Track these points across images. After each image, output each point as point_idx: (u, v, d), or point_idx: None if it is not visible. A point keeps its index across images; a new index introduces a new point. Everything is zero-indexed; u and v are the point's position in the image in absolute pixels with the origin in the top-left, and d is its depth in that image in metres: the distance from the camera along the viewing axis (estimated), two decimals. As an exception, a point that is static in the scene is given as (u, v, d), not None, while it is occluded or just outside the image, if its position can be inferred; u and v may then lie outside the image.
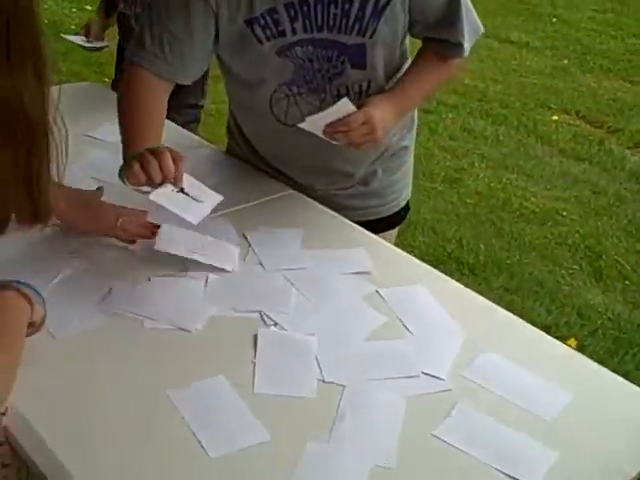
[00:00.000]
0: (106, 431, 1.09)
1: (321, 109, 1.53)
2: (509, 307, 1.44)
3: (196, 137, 2.09)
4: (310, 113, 1.53)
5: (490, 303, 1.45)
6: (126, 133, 1.51)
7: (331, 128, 1.48)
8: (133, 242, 1.50)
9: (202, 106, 2.96)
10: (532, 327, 1.39)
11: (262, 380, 1.19)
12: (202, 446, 1.07)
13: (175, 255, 1.44)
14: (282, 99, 1.61)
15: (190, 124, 2.71)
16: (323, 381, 1.20)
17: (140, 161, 1.35)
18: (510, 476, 1.06)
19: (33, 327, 1.16)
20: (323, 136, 1.50)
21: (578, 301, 3.19)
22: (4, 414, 1.08)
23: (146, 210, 1.50)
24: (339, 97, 1.54)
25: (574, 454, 1.11)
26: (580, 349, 1.39)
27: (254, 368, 1.21)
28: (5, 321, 1.05)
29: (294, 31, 1.51)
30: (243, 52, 1.55)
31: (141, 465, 1.04)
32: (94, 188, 1.58)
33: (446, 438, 1.12)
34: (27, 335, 1.14)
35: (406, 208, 1.91)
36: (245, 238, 1.56)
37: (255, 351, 1.25)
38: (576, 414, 1.19)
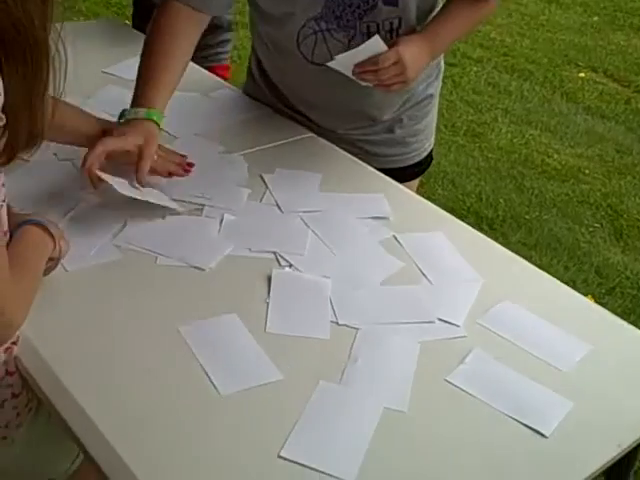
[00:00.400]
0: (116, 366, 1.08)
1: (349, 48, 1.49)
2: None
3: (216, 78, 2.05)
4: (338, 52, 1.49)
5: (510, 253, 1.42)
6: (142, 71, 1.49)
7: (360, 67, 1.44)
8: (171, 175, 1.47)
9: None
10: (551, 278, 1.37)
11: (275, 320, 1.18)
12: (213, 384, 1.06)
13: (191, 194, 1.43)
14: (310, 35, 1.56)
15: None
16: (337, 323, 1.19)
17: (119, 133, 1.38)
18: (523, 424, 1.05)
19: (53, 264, 1.15)
20: (352, 76, 1.46)
21: (597, 259, 3.15)
22: (15, 343, 1.08)
23: (183, 155, 1.50)
24: (369, 35, 1.49)
25: (589, 406, 1.10)
26: (598, 306, 1.38)
27: (267, 308, 1.20)
28: (25, 252, 1.04)
29: None
30: None
31: (151, 401, 1.03)
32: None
33: (459, 384, 1.10)
34: (45, 270, 1.14)
35: (428, 159, 1.87)
36: (262, 179, 1.53)
37: (269, 291, 1.23)
38: (593, 366, 1.17)
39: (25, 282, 1.01)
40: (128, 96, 1.73)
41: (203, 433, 0.99)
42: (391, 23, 1.53)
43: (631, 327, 1.27)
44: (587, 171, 3.85)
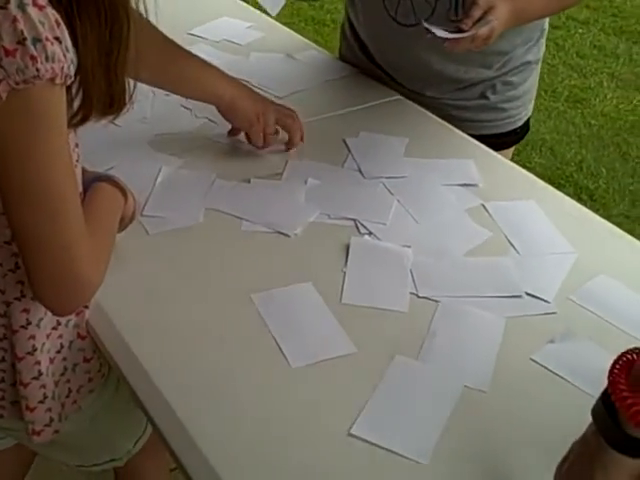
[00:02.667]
0: (186, 334, 1.05)
1: (435, 8, 1.45)
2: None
3: (305, 39, 1.99)
4: (421, 10, 1.44)
5: (609, 224, 1.32)
6: None
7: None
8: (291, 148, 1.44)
9: None
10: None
11: (351, 290, 1.12)
12: (284, 355, 1.02)
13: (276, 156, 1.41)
14: None
15: None
16: (417, 295, 1.12)
17: None
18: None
19: (124, 222, 1.13)
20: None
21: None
22: (87, 307, 1.06)
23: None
24: None
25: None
26: None
27: (344, 277, 1.15)
28: (99, 210, 1.02)
29: None
30: None
31: (219, 372, 1.00)
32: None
33: (547, 364, 1.02)
34: (120, 229, 1.12)
35: (525, 127, 1.76)
36: (345, 143, 1.47)
37: (347, 261, 1.18)
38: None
39: (101, 240, 0.99)
40: (216, 57, 1.72)
41: (272, 407, 0.95)
42: None
43: None
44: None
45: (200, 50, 1.81)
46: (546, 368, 1.02)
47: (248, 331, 1.06)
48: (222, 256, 1.19)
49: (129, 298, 1.10)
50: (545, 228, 1.28)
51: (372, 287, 1.14)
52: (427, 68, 1.61)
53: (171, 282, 1.14)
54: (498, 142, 1.67)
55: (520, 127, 1.73)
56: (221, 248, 1.21)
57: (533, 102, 1.76)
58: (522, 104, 1.71)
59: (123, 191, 1.10)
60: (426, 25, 1.37)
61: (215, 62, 1.73)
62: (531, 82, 1.71)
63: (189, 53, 1.37)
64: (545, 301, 1.12)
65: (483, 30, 1.32)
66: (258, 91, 1.61)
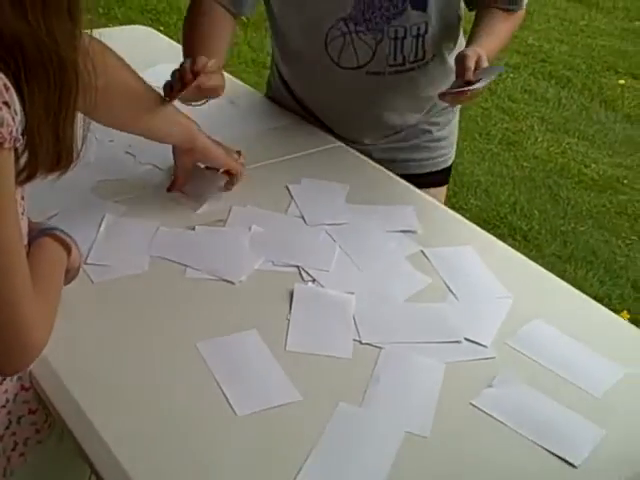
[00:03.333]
0: (131, 383, 1.05)
1: (376, 51, 1.54)
2: (561, 276, 1.36)
3: (245, 84, 2.02)
4: (365, 54, 1.54)
5: (542, 269, 1.37)
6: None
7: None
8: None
9: None
10: (585, 297, 1.31)
11: (296, 337, 1.14)
12: (230, 403, 1.03)
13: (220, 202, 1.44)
14: (338, 37, 1.56)
15: None
16: (360, 342, 1.15)
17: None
18: (552, 453, 1.00)
19: (69, 274, 1.13)
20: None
21: (634, 274, 3.07)
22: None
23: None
24: (396, 39, 1.54)
25: (623, 434, 1.04)
26: (633, 323, 1.32)
27: (288, 325, 1.16)
28: (41, 267, 1.01)
29: None
30: None
31: (165, 421, 1.00)
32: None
33: (485, 408, 1.05)
34: (66, 282, 1.12)
35: (448, 170, 1.85)
36: (287, 190, 1.50)
37: (291, 308, 1.20)
38: (628, 391, 1.11)
39: (48, 298, 0.99)
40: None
41: (218, 455, 0.96)
42: (418, 28, 1.55)
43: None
44: (626, 181, 3.76)
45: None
46: (485, 412, 1.05)
47: (194, 379, 1.06)
48: (167, 304, 1.20)
49: (73, 347, 1.09)
50: (482, 273, 1.32)
51: (316, 334, 1.16)
52: (367, 112, 1.67)
53: (116, 331, 1.13)
54: (430, 181, 1.75)
55: (447, 168, 1.83)
56: (166, 296, 1.21)
57: (455, 144, 1.86)
58: (449, 144, 1.81)
59: (67, 244, 1.09)
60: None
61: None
62: (454, 123, 1.81)
63: (162, 101, 1.38)
64: (483, 346, 1.16)
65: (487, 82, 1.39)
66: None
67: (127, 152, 1.58)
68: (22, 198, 0.97)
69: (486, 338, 1.17)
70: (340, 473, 0.95)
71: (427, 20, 1.54)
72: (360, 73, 1.58)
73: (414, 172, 1.72)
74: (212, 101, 1.83)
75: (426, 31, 1.56)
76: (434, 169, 1.79)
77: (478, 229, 1.47)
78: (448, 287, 1.27)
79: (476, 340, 1.17)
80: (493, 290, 1.28)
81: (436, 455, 0.99)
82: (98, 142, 1.56)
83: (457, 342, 1.16)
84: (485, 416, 1.04)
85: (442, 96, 1.43)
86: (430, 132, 1.75)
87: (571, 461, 0.99)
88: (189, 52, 1.47)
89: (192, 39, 1.53)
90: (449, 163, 1.83)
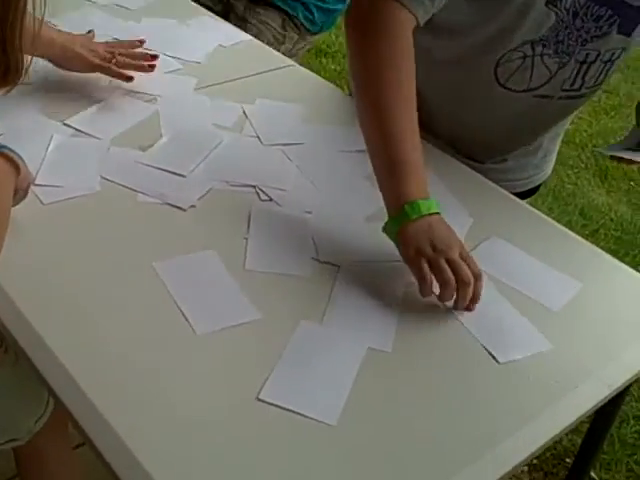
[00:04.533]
0: (86, 303, 1.03)
1: (555, 76, 1.33)
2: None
3: (196, 4, 1.95)
4: (540, 78, 1.33)
5: (497, 187, 1.37)
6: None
7: None
8: (130, 79, 1.45)
9: None
10: (540, 214, 1.32)
11: (254, 257, 1.12)
12: (189, 323, 1.01)
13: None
14: (516, 60, 1.32)
15: None
16: (318, 261, 1.14)
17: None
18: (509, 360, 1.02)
19: (18, 194, 1.09)
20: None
21: (581, 201, 3.12)
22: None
23: (141, 39, 1.47)
24: (583, 63, 1.32)
25: (577, 347, 1.07)
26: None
27: (246, 244, 1.15)
28: None
29: None
30: None
31: (122, 340, 0.98)
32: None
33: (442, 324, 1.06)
34: (14, 202, 1.07)
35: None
36: (242, 110, 1.47)
37: (249, 227, 1.18)
38: (583, 305, 1.13)
39: None
40: (107, 21, 1.69)
41: (178, 374, 0.95)
42: (612, 53, 1.34)
43: (622, 264, 1.24)
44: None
45: (89, 13, 1.76)
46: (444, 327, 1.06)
47: (151, 299, 1.04)
48: (121, 225, 1.17)
49: (25, 269, 1.06)
50: (439, 192, 1.30)
51: (275, 253, 1.14)
52: (505, 135, 1.48)
53: (69, 252, 1.10)
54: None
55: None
56: (120, 217, 1.18)
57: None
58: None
59: (15, 162, 1.05)
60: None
61: (106, 26, 1.69)
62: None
63: None
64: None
65: None
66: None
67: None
68: None
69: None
70: (302, 390, 0.94)
71: (626, 46, 1.33)
72: (526, 96, 1.36)
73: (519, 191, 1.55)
74: (163, 20, 1.79)
75: (619, 56, 1.35)
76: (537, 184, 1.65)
77: (438, 152, 1.46)
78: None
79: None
80: (451, 208, 1.27)
81: (398, 369, 1.00)
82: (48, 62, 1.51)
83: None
84: (443, 325, 1.06)
85: (617, 159, 1.32)
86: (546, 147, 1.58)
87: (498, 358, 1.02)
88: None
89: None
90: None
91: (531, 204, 1.41)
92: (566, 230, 1.31)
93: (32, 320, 0.99)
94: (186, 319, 1.01)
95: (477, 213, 1.28)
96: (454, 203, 1.30)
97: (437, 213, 1.09)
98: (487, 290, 1.09)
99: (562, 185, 3.22)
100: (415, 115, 1.13)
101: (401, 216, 1.08)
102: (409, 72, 1.14)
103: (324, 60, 3.93)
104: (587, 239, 1.31)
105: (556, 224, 1.32)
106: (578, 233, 1.33)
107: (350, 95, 1.57)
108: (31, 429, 1.25)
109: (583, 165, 3.38)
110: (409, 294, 1.10)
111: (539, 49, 1.30)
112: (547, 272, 1.18)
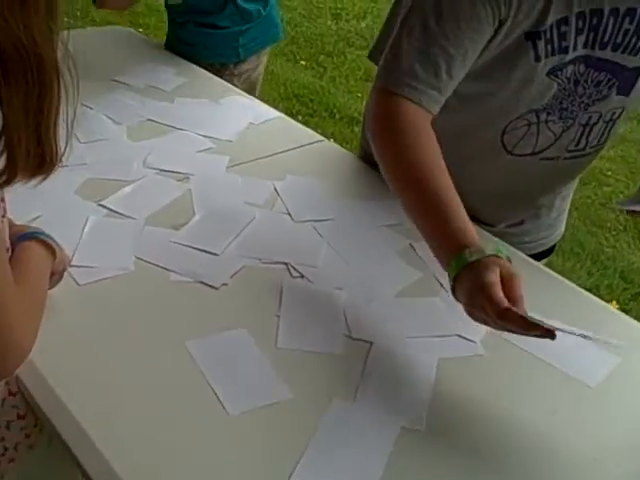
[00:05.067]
0: (119, 384, 1.03)
1: (560, 139, 1.36)
2: (549, 268, 1.36)
3: (228, 84, 2.00)
4: (546, 141, 1.35)
5: (531, 260, 1.37)
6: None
7: None
8: None
9: None
10: (575, 287, 1.31)
11: (286, 334, 1.12)
12: (221, 403, 1.01)
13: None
14: (521, 127, 1.34)
15: None
16: (350, 337, 1.13)
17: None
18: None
19: (54, 277, 1.11)
20: None
21: (621, 264, 3.08)
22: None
23: None
24: (587, 125, 1.35)
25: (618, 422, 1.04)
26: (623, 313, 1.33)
27: (278, 322, 1.15)
28: (26, 271, 0.99)
29: (575, 47, 1.25)
30: (511, 71, 1.26)
31: (155, 422, 0.98)
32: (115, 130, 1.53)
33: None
34: (50, 286, 1.10)
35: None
36: (274, 187, 1.49)
37: (280, 305, 1.18)
38: (622, 381, 1.11)
39: (32, 304, 0.96)
40: (141, 103, 1.72)
41: (210, 455, 0.94)
42: (613, 113, 1.36)
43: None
44: (609, 172, 3.77)
45: (124, 95, 1.82)
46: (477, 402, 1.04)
47: (184, 379, 1.04)
48: (155, 304, 1.18)
49: (60, 350, 1.07)
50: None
51: (306, 330, 1.14)
52: (515, 196, 1.48)
53: (104, 332, 1.11)
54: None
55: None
56: (153, 296, 1.20)
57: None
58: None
59: (52, 248, 1.07)
60: (620, 207, 1.36)
61: (141, 108, 1.75)
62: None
63: None
64: (473, 342, 1.15)
65: None
66: (185, 134, 1.64)
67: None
68: (2, 200, 0.95)
69: (477, 334, 1.16)
70: (335, 470, 0.93)
71: (625, 105, 1.36)
72: (532, 159, 1.38)
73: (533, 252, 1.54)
74: (195, 100, 1.83)
75: (619, 116, 1.38)
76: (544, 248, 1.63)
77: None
78: (439, 282, 1.26)
79: (467, 336, 1.16)
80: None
81: (431, 448, 0.98)
82: (83, 144, 1.55)
83: (449, 336, 1.15)
84: (477, 407, 1.04)
85: (634, 213, 1.33)
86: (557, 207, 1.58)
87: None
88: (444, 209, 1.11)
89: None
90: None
91: (551, 266, 1.38)
92: (598, 300, 1.29)
93: (66, 401, 1.00)
94: (218, 399, 1.01)
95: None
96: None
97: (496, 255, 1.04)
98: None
99: (601, 248, 3.18)
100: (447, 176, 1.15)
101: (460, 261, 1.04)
102: (437, 156, 1.16)
103: (356, 129, 3.98)
104: (628, 303, 1.30)
105: (585, 293, 1.30)
106: (619, 298, 1.32)
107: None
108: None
109: (621, 227, 3.35)
110: (442, 369, 1.09)
111: (543, 116, 1.32)
112: (584, 347, 1.15)
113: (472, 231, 1.07)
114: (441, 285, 1.25)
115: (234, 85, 2.07)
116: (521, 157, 1.37)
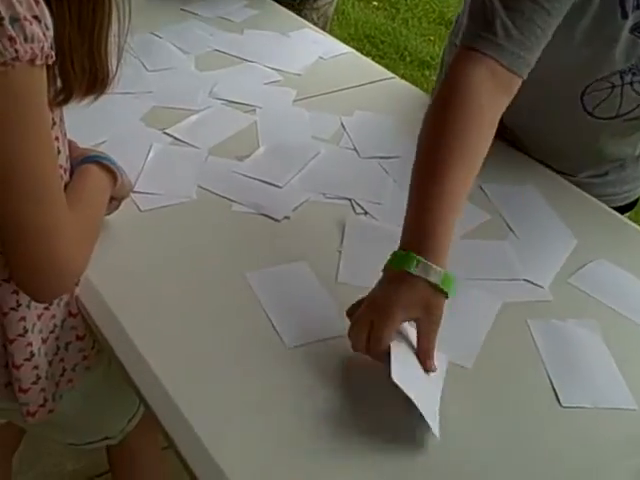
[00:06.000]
0: (179, 311, 1.03)
1: None
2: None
3: (299, 18, 1.95)
4: (630, 103, 1.26)
5: (610, 210, 1.31)
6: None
7: None
8: None
9: None
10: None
11: (347, 270, 1.10)
12: (278, 334, 1.00)
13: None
14: (604, 90, 1.25)
15: None
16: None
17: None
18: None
19: (114, 202, 1.10)
20: None
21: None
22: (77, 284, 1.04)
23: None
24: None
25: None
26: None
27: (340, 257, 1.13)
28: (82, 193, 0.98)
29: None
30: (600, 30, 1.18)
31: (213, 349, 0.98)
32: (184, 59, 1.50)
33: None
34: (109, 210, 1.09)
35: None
36: (340, 122, 1.45)
37: (342, 240, 1.16)
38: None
39: (85, 226, 0.95)
40: (209, 33, 1.70)
41: (263, 384, 0.94)
42: None
43: None
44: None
45: (193, 25, 1.79)
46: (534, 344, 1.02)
47: (242, 309, 1.03)
48: (215, 234, 1.17)
49: (120, 274, 1.08)
50: (543, 212, 1.26)
51: (367, 267, 1.11)
52: (600, 153, 1.40)
53: (163, 259, 1.11)
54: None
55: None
56: (214, 226, 1.18)
57: None
58: None
59: (113, 172, 1.06)
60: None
61: (209, 38, 1.73)
62: None
63: None
64: (540, 287, 1.11)
65: None
66: (253, 66, 1.60)
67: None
68: (60, 120, 0.94)
69: (545, 278, 1.12)
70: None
71: None
72: (616, 122, 1.29)
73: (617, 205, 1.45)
74: (265, 32, 1.80)
75: None
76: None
77: (541, 166, 1.40)
78: (508, 225, 1.22)
79: (534, 281, 1.12)
80: (555, 229, 1.22)
81: (475, 387, 0.96)
82: (150, 72, 1.54)
83: (515, 280, 1.11)
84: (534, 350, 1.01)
85: None
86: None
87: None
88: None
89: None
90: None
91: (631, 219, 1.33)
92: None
93: (124, 323, 1.00)
94: (275, 330, 1.00)
95: (581, 233, 1.22)
96: (557, 223, 1.24)
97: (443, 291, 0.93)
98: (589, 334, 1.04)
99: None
100: (469, 180, 1.01)
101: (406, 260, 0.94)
102: (471, 158, 1.01)
103: (427, 72, 3.89)
104: None
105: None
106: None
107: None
108: (123, 429, 1.26)
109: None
110: (505, 312, 1.06)
111: (628, 78, 1.23)
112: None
113: (444, 250, 0.96)
114: (510, 228, 1.21)
115: (311, 20, 2.02)
116: (603, 120, 1.29)
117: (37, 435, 1.27)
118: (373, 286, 0.98)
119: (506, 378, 0.98)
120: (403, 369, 0.89)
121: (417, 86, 1.67)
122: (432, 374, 0.93)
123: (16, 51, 0.74)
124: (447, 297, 0.93)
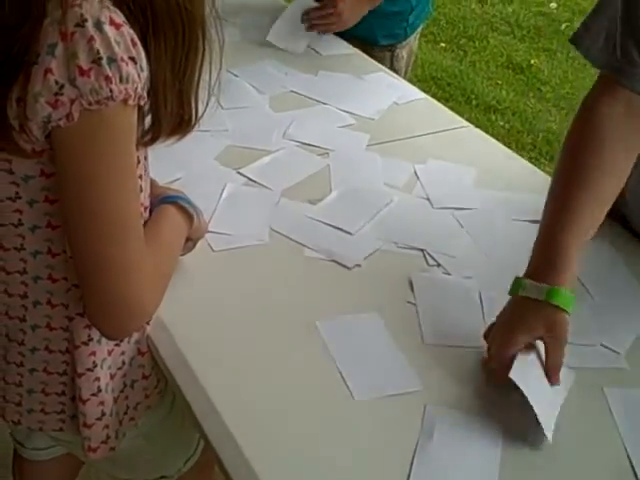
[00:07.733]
0: (247, 354, 1.03)
1: None
2: None
3: (374, 61, 1.95)
4: None
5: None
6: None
7: None
8: None
9: None
10: None
11: (427, 328, 1.08)
12: (347, 387, 0.98)
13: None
14: None
15: None
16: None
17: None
18: None
19: (189, 243, 1.11)
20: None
21: None
22: (148, 322, 1.04)
23: None
24: None
25: None
26: None
27: (415, 310, 1.11)
28: (160, 234, 0.99)
29: None
30: None
31: (279, 395, 0.97)
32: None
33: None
34: (184, 251, 1.10)
35: None
36: (414, 170, 1.44)
37: (412, 290, 1.15)
38: None
39: (160, 267, 0.96)
40: (277, 73, 1.73)
41: (331, 437, 0.92)
42: None
43: None
44: None
45: (267, 65, 1.82)
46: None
47: (312, 358, 1.03)
48: (287, 278, 1.17)
49: (191, 314, 1.08)
50: (619, 272, 1.23)
51: (442, 323, 1.10)
52: None
53: (235, 301, 1.11)
54: None
55: None
56: (286, 270, 1.19)
57: None
58: None
59: (188, 214, 1.07)
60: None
61: (283, 79, 1.74)
62: None
63: None
64: (616, 353, 1.08)
65: None
66: (327, 108, 1.61)
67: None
68: (145, 158, 0.95)
69: (621, 344, 1.09)
70: (452, 466, 0.90)
71: None
72: None
73: None
74: (340, 75, 1.81)
75: None
76: None
77: (619, 227, 1.36)
78: (584, 286, 1.18)
79: (611, 346, 1.09)
80: (632, 292, 1.19)
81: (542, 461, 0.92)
82: (226, 110, 1.56)
83: (591, 346, 1.08)
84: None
85: None
86: None
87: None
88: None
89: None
90: None
91: None
92: None
93: (194, 366, 1.00)
94: (345, 383, 0.99)
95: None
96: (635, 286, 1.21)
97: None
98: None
99: None
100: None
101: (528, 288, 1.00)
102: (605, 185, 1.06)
103: (493, 117, 3.86)
104: None
105: None
106: None
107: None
108: (180, 469, 1.26)
109: None
110: (579, 378, 1.03)
111: None
112: None
113: (573, 271, 1.01)
114: (586, 290, 1.18)
115: (402, 57, 2.05)
116: None
117: (96, 468, 1.27)
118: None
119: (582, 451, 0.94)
120: (523, 372, 0.95)
121: (482, 130, 1.65)
122: (556, 387, 0.98)
123: (111, 91, 0.76)
124: (569, 314, 0.97)
